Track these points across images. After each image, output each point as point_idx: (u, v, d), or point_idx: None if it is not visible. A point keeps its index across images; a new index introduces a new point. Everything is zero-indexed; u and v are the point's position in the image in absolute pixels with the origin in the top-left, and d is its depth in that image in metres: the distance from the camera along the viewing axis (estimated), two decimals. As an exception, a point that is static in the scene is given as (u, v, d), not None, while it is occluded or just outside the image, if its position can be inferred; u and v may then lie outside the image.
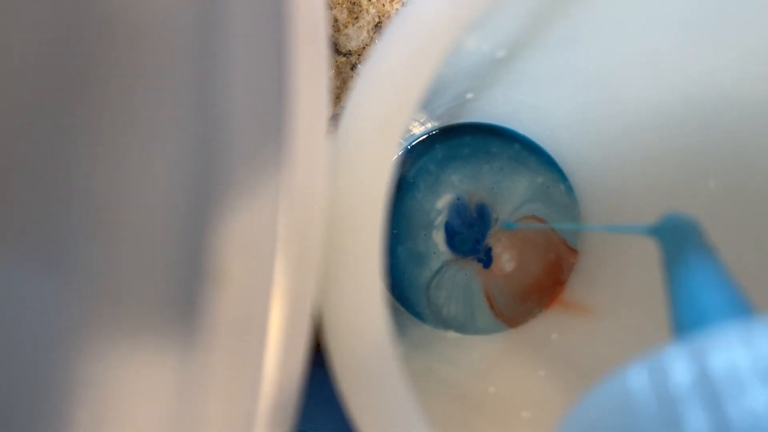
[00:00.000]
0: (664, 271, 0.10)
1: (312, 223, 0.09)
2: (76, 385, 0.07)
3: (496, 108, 0.23)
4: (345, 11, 0.24)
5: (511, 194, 0.25)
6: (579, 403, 0.08)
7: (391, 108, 0.11)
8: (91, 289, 0.07)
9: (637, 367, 0.07)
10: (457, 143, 0.25)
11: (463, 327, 0.24)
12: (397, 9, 0.24)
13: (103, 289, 0.08)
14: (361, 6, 0.24)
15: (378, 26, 0.24)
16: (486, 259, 0.25)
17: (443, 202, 0.25)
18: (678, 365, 0.07)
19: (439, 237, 0.24)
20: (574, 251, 0.25)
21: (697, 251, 0.10)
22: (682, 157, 0.18)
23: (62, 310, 0.07)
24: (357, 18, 0.24)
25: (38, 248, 0.07)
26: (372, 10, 0.24)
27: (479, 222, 0.25)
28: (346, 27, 0.24)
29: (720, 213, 0.17)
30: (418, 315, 0.25)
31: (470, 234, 0.25)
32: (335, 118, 0.24)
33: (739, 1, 0.13)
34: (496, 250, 0.25)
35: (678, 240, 0.10)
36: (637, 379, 0.07)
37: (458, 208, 0.25)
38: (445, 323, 0.24)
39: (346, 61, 0.24)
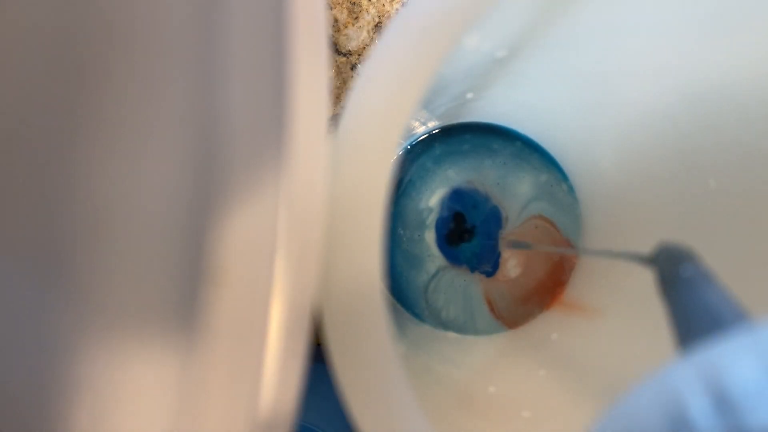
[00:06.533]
0: (662, 295, 0.10)
1: (312, 222, 0.09)
2: (77, 386, 0.07)
3: (497, 108, 0.23)
4: (345, 11, 0.24)
5: (517, 190, 0.25)
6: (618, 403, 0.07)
7: (391, 108, 0.11)
8: (91, 289, 0.08)
9: (647, 387, 0.07)
10: (457, 141, 0.25)
11: (462, 329, 0.24)
12: (397, 9, 0.24)
13: (103, 289, 0.08)
14: (361, 6, 0.24)
15: (378, 26, 0.24)
16: (491, 271, 0.25)
17: (436, 198, 0.24)
18: (689, 382, 0.06)
19: (430, 238, 0.24)
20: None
21: (695, 271, 0.10)
22: (682, 157, 0.18)
23: (63, 310, 0.07)
24: (357, 18, 0.24)
25: (38, 248, 0.07)
26: (372, 10, 0.24)
27: (483, 233, 0.25)
28: (346, 27, 0.24)
29: (720, 213, 0.17)
30: (417, 316, 0.25)
31: (470, 246, 0.25)
32: (335, 118, 0.24)
33: (739, 2, 0.13)
34: (504, 256, 0.25)
35: (674, 264, 0.10)
36: (647, 399, 0.07)
37: (454, 199, 0.25)
38: (444, 325, 0.24)
39: (346, 61, 0.24)
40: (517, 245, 0.24)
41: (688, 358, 0.07)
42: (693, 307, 0.09)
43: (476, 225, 0.25)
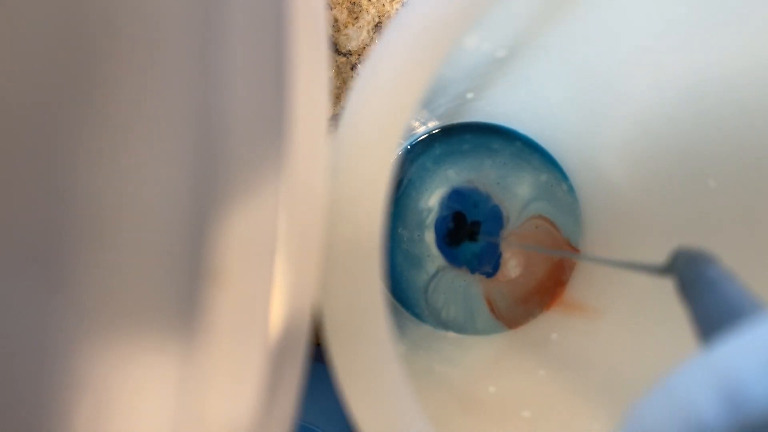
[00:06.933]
0: (684, 299, 0.10)
1: (312, 222, 0.09)
2: (77, 386, 0.07)
3: (497, 108, 0.23)
4: (345, 11, 0.24)
5: (517, 190, 0.25)
6: (633, 413, 0.07)
7: (391, 108, 0.11)
8: (91, 289, 0.08)
9: (658, 395, 0.07)
10: (457, 140, 0.25)
11: (462, 329, 0.24)
12: (397, 9, 0.24)
13: (103, 289, 0.08)
14: (361, 6, 0.24)
15: (378, 26, 0.24)
16: (492, 272, 0.25)
17: (436, 198, 0.24)
18: (700, 385, 0.06)
19: (430, 238, 0.24)
20: (576, 251, 0.25)
21: (717, 273, 0.10)
22: (681, 157, 0.18)
23: (62, 310, 0.07)
24: (357, 18, 0.24)
25: (38, 248, 0.07)
26: (372, 10, 0.24)
27: (484, 233, 0.25)
28: (346, 27, 0.24)
29: (720, 213, 0.17)
30: (417, 316, 0.25)
31: (471, 247, 0.25)
32: (335, 118, 0.24)
33: (739, 2, 0.13)
34: (505, 256, 0.25)
35: (695, 268, 0.10)
36: (660, 408, 0.07)
37: (454, 199, 0.25)
38: (444, 325, 0.24)
39: (346, 61, 0.24)
40: (524, 247, 0.24)
41: (697, 361, 0.07)
42: (718, 308, 0.09)
43: (477, 224, 0.25)
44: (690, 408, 0.06)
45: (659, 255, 0.20)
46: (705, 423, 0.06)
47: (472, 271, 0.25)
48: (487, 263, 0.25)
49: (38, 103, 0.07)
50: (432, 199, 0.24)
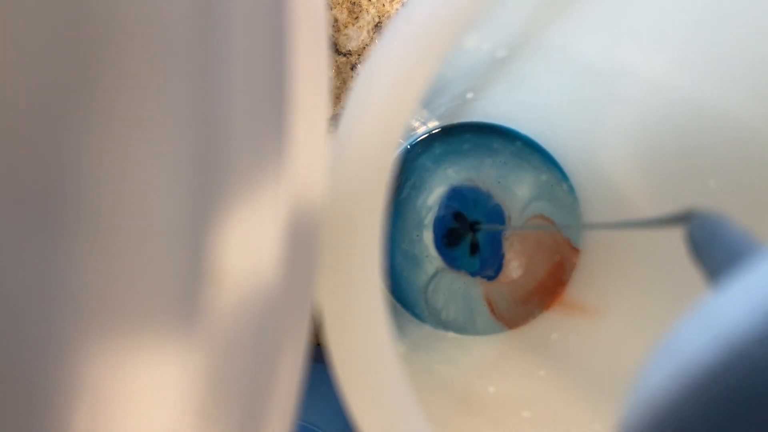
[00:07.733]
0: (696, 258, 0.10)
1: (312, 222, 0.09)
2: (76, 386, 0.07)
3: (497, 108, 0.23)
4: (345, 11, 0.24)
5: (518, 190, 0.24)
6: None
7: (390, 108, 0.11)
8: (90, 289, 0.08)
9: (694, 319, 0.07)
10: (457, 140, 0.25)
11: (462, 329, 0.24)
12: (397, 9, 0.24)
13: (102, 289, 0.08)
14: (361, 6, 0.24)
15: (378, 26, 0.24)
16: (493, 275, 0.24)
17: (436, 198, 0.24)
18: (736, 306, 0.06)
19: (429, 238, 0.24)
20: (576, 251, 0.25)
21: (733, 232, 0.10)
22: (682, 157, 0.18)
23: (62, 310, 0.07)
24: (357, 18, 0.24)
25: (38, 247, 0.07)
26: (372, 10, 0.24)
27: (485, 234, 0.24)
28: (346, 27, 0.24)
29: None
30: (417, 316, 0.25)
31: (472, 255, 0.24)
32: (335, 118, 0.24)
33: (739, 3, 0.13)
34: (508, 257, 0.25)
35: (710, 228, 0.10)
36: (697, 331, 0.06)
37: (454, 199, 0.25)
38: (444, 325, 0.24)
39: (346, 61, 0.24)
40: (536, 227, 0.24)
41: (731, 284, 0.06)
42: (728, 257, 0.09)
43: (479, 222, 0.25)
44: (726, 328, 0.06)
45: (659, 254, 0.20)
46: (742, 341, 0.06)
47: (473, 274, 0.24)
48: (489, 267, 0.24)
49: (38, 104, 0.07)
50: (431, 199, 0.24)
